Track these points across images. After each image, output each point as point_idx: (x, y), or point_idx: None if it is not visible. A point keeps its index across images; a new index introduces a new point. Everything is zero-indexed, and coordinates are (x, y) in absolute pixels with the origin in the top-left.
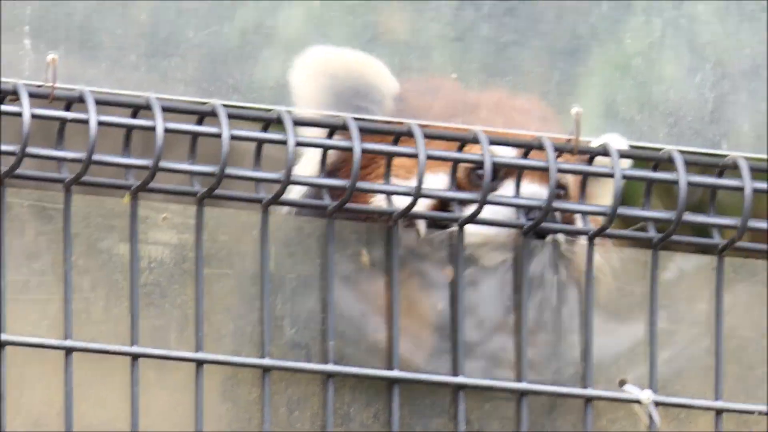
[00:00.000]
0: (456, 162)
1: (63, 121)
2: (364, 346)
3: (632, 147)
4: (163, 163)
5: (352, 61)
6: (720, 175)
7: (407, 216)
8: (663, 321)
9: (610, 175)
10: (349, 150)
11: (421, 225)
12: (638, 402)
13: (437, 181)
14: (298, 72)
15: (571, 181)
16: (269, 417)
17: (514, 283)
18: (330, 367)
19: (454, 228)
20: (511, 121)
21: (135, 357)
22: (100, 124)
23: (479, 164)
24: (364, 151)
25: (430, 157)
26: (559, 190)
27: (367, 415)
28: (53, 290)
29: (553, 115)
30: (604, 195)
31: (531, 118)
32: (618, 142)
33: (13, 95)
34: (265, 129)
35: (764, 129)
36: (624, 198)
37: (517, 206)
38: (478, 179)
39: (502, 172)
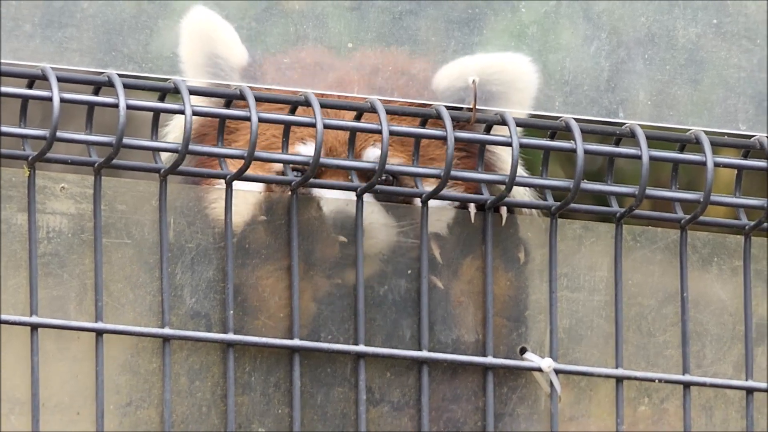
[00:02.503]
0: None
1: None
2: (265, 314)
3: (528, 116)
4: (60, 134)
5: (208, 26)
6: (617, 143)
7: (307, 185)
8: (563, 288)
9: (509, 144)
10: (247, 119)
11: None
12: (539, 370)
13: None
14: (181, 32)
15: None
16: (170, 386)
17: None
18: (230, 337)
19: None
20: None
21: (34, 327)
22: None
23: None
24: (261, 120)
25: (327, 127)
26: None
27: (268, 383)
28: None
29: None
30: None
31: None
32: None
33: None
34: (161, 99)
35: (660, 97)
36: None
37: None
38: None
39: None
